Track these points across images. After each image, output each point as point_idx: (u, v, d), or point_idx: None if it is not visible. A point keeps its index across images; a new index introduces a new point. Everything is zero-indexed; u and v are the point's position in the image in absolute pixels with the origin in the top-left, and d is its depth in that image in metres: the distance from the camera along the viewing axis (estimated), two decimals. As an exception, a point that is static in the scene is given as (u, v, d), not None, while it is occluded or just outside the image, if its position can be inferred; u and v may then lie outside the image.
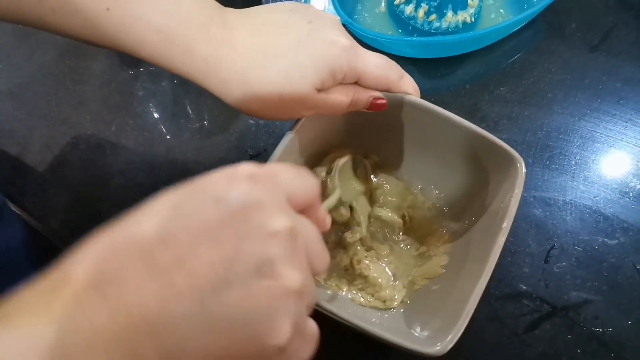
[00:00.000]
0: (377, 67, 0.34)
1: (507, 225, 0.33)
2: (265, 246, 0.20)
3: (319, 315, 0.25)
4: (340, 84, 0.34)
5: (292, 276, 0.21)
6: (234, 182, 0.21)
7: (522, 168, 0.34)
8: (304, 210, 0.25)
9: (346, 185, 0.40)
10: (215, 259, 0.20)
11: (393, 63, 0.36)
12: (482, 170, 0.38)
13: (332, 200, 0.37)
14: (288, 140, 0.36)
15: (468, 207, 0.40)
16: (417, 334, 0.35)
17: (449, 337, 0.30)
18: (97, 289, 0.19)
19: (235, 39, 0.32)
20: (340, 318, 0.31)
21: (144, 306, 0.19)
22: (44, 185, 0.48)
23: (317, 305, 0.31)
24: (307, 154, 0.40)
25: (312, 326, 0.23)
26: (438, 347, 0.29)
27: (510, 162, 0.35)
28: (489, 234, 0.35)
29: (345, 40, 0.33)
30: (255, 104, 0.32)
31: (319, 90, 0.33)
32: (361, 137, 0.42)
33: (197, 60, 0.31)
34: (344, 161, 0.39)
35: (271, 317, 0.20)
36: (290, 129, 0.36)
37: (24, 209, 0.47)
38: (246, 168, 0.22)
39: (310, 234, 0.23)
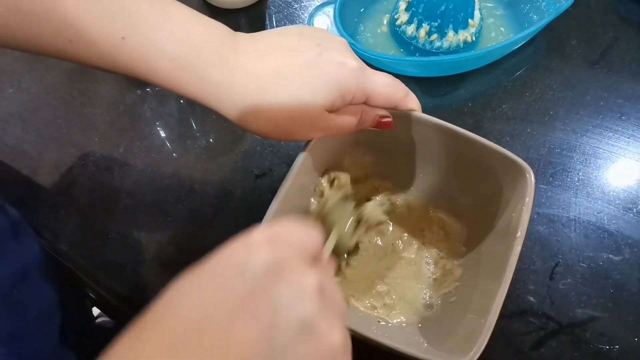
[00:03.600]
0: (386, 86, 0.35)
1: (521, 234, 0.34)
2: (301, 306, 0.20)
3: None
4: (349, 104, 0.34)
5: (334, 331, 0.21)
6: (253, 249, 0.21)
7: (532, 178, 0.35)
8: (312, 261, 0.25)
9: (341, 220, 0.40)
10: (255, 334, 0.19)
11: (398, 81, 0.37)
12: (492, 182, 0.39)
13: (330, 243, 0.37)
14: (301, 160, 0.36)
15: (479, 219, 0.40)
16: (437, 348, 0.35)
17: (474, 349, 0.30)
18: None
19: (247, 63, 0.33)
20: (366, 338, 0.32)
21: None
22: (54, 207, 0.49)
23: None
24: (320, 172, 0.41)
25: None
26: None
27: (519, 172, 0.36)
28: (502, 244, 0.35)
29: (353, 61, 0.33)
30: (267, 126, 0.33)
31: (329, 111, 0.33)
32: (370, 155, 0.43)
33: (210, 85, 0.32)
34: (332, 202, 0.40)
35: None
36: (302, 149, 0.37)
37: (34, 230, 0.48)
38: (260, 233, 0.22)
39: (332, 284, 0.23)
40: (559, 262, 0.44)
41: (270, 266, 0.21)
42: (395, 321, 0.40)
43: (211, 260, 0.22)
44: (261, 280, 0.20)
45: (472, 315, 0.34)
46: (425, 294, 0.41)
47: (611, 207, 0.46)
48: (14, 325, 0.39)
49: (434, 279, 0.41)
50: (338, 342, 0.21)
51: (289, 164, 0.50)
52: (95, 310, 0.67)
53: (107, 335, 0.70)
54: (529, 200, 0.35)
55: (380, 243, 0.43)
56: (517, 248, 0.33)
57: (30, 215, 0.48)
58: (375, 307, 0.41)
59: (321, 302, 0.21)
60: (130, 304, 0.45)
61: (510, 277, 0.32)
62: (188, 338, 0.19)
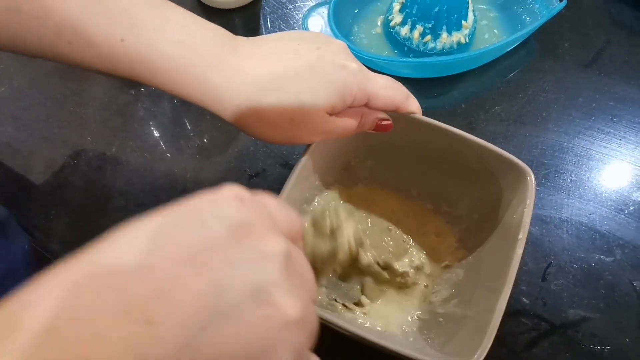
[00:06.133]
0: (386, 88, 0.35)
1: (522, 237, 0.34)
2: (260, 270, 0.18)
3: (334, 335, 0.25)
4: (349, 106, 0.34)
5: (292, 304, 0.19)
6: (220, 203, 0.20)
7: (532, 180, 0.35)
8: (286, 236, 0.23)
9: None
10: (202, 288, 0.17)
11: (399, 84, 0.37)
12: (493, 185, 0.39)
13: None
14: (302, 164, 0.36)
15: (479, 221, 0.41)
16: (438, 350, 0.35)
17: (478, 352, 0.30)
18: (53, 336, 0.16)
19: (247, 66, 0.32)
20: (368, 340, 0.31)
21: (114, 355, 0.16)
22: (45, 206, 0.48)
23: (341, 327, 0.31)
24: (320, 176, 0.41)
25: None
26: None
27: (520, 174, 0.36)
28: (503, 246, 0.35)
29: (354, 64, 0.33)
30: (267, 129, 0.33)
31: (330, 113, 0.33)
32: (370, 158, 0.43)
33: (210, 87, 0.32)
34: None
35: (270, 352, 0.18)
36: (303, 153, 0.37)
37: (24, 229, 0.48)
38: (232, 189, 0.20)
39: (303, 260, 0.22)
40: (551, 263, 0.44)
41: (235, 225, 0.19)
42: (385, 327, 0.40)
43: (169, 208, 0.19)
44: (221, 237, 0.18)
45: (473, 318, 0.34)
46: (426, 297, 0.41)
47: (603, 208, 0.47)
48: None
49: (435, 282, 0.41)
50: (295, 316, 0.18)
51: (283, 164, 0.50)
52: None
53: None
54: (530, 202, 0.35)
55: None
56: (519, 250, 0.33)
57: (22, 214, 0.48)
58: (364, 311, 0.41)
59: (285, 271, 0.19)
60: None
61: (513, 279, 0.32)
62: (121, 283, 0.17)
